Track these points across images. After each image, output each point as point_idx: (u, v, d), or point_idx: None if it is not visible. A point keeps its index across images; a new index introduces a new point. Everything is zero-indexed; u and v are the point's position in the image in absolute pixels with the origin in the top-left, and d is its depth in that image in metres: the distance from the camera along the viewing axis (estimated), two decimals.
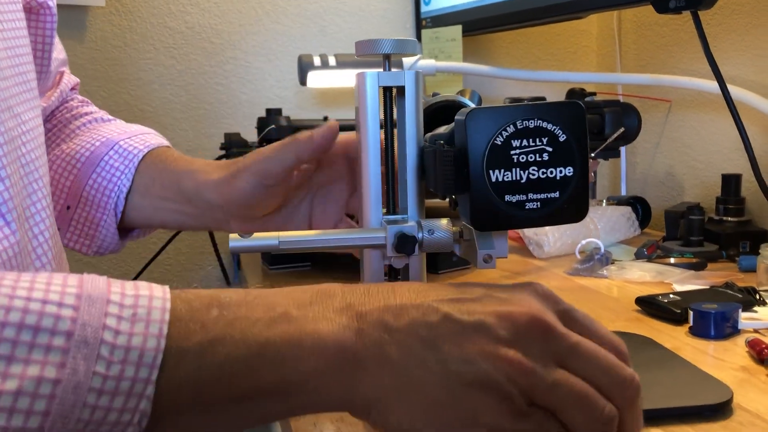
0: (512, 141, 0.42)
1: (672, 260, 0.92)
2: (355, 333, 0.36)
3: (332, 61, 1.20)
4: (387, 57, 0.52)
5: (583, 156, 0.43)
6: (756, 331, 0.65)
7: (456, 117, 0.44)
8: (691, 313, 0.65)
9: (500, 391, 0.35)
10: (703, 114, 1.17)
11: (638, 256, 0.96)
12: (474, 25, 1.26)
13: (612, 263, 0.92)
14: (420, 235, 0.48)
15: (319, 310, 0.37)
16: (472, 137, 0.42)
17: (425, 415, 0.35)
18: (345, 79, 1.25)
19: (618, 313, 0.73)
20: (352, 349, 0.36)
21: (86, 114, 0.76)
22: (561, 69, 1.48)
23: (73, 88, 0.79)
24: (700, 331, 0.64)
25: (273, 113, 1.25)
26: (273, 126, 1.21)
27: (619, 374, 0.36)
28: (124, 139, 0.69)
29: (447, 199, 0.52)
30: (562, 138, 0.42)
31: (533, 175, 0.42)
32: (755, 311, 0.70)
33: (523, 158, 0.42)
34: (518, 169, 0.42)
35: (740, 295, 0.72)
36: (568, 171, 0.42)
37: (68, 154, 0.69)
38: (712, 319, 0.63)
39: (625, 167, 1.34)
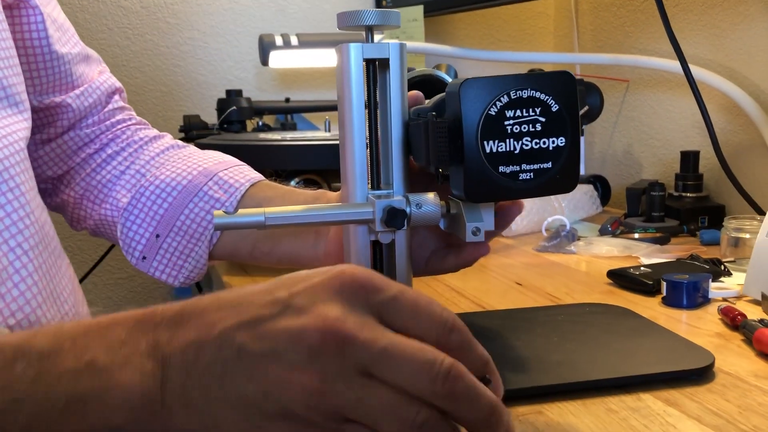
0: (506, 111, 0.42)
1: (636, 235, 0.94)
2: (160, 381, 0.34)
3: (294, 40, 1.19)
4: (369, 29, 0.51)
5: (574, 126, 0.43)
6: (725, 299, 0.67)
7: (448, 88, 0.44)
8: (663, 283, 0.66)
9: (303, 419, 0.33)
10: (660, 93, 1.20)
11: (602, 232, 0.98)
12: (435, 5, 1.26)
13: (578, 239, 0.93)
14: (408, 209, 0.48)
15: (128, 353, 0.35)
16: (466, 108, 0.42)
17: None
18: (307, 59, 1.23)
19: (591, 286, 0.74)
20: (158, 399, 0.34)
21: (156, 138, 0.74)
22: (519, 50, 1.49)
23: (115, 93, 0.74)
24: (673, 300, 0.66)
25: (233, 94, 1.23)
26: (234, 107, 1.19)
27: (433, 366, 0.33)
28: (223, 170, 0.68)
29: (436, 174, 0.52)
30: (555, 108, 0.42)
31: (527, 145, 0.42)
32: (722, 281, 0.72)
33: (516, 129, 0.42)
34: (512, 140, 0.42)
35: (707, 267, 0.74)
36: (561, 141, 0.43)
37: (162, 181, 0.68)
38: (685, 289, 0.65)
39: (583, 146, 1.36)
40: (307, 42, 1.20)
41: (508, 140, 0.42)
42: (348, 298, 0.34)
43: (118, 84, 0.75)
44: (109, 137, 0.72)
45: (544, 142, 0.42)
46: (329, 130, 1.06)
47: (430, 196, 0.48)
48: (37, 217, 0.55)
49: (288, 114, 1.28)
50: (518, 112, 0.42)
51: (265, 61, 1.21)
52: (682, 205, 1.01)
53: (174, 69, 1.33)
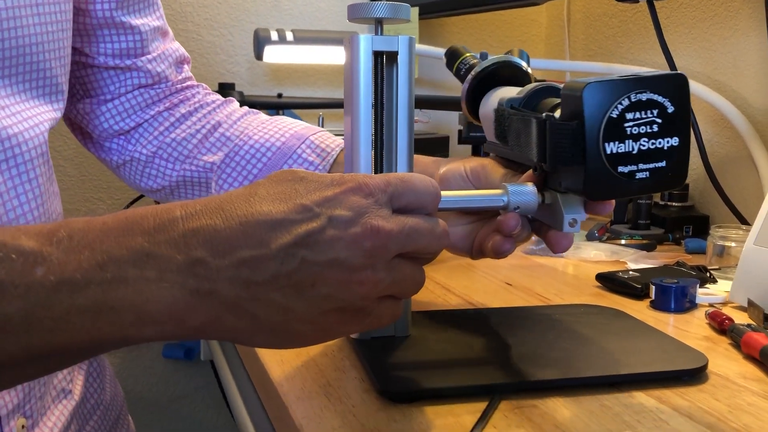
0: (626, 114, 0.43)
1: (623, 241, 0.95)
2: (207, 295, 0.35)
3: (289, 36, 1.19)
4: (379, 22, 0.52)
5: (686, 126, 0.45)
6: (711, 305, 0.68)
7: (566, 90, 0.45)
8: (652, 287, 0.68)
9: (354, 307, 0.38)
10: None
11: (590, 237, 0.99)
12: (430, 8, 1.26)
13: None
14: (506, 198, 0.50)
15: (160, 268, 0.34)
16: (588, 110, 0.43)
17: (285, 342, 0.39)
18: (302, 55, 1.24)
19: (580, 288, 0.75)
20: (204, 312, 0.35)
21: (226, 102, 0.76)
22: None
23: (184, 62, 0.76)
24: (661, 304, 0.67)
25: (226, 87, 1.22)
26: None
27: (435, 240, 0.41)
28: (312, 134, 0.71)
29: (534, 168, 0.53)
30: (671, 110, 0.44)
31: (644, 146, 0.44)
32: (707, 288, 0.74)
33: (635, 130, 0.44)
34: (631, 141, 0.44)
35: (693, 273, 0.75)
36: (674, 141, 0.45)
37: (257, 141, 0.71)
38: (673, 293, 0.66)
39: None
40: (303, 38, 1.20)
41: (627, 141, 0.44)
42: (376, 201, 0.39)
43: (187, 54, 0.77)
44: (180, 98, 0.74)
45: (660, 143, 0.44)
46: (323, 126, 1.06)
47: (529, 186, 0.49)
48: (47, 208, 0.54)
49: (280, 110, 1.28)
50: (637, 114, 0.44)
51: (259, 56, 1.21)
52: (667, 214, 1.03)
53: None
